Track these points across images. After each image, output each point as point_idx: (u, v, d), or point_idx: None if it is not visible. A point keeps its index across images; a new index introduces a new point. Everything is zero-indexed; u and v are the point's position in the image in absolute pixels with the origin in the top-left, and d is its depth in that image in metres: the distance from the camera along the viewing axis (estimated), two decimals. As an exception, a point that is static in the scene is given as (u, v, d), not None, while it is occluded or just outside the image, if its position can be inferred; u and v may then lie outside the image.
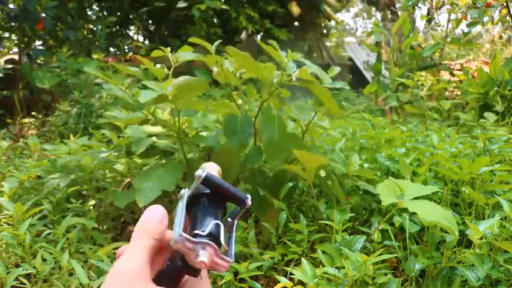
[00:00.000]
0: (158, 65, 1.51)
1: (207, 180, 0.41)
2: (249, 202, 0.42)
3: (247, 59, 1.34)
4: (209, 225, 0.37)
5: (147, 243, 0.38)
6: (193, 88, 1.48)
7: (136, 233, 0.39)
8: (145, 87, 1.40)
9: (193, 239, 0.36)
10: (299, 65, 1.45)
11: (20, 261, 1.33)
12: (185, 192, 0.41)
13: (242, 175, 1.59)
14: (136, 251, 0.37)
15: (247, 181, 1.51)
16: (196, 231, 0.37)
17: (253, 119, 1.51)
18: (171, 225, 0.40)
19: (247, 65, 1.41)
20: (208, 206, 0.40)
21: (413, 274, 1.11)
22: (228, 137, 1.41)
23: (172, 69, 1.50)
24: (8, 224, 1.50)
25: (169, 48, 1.52)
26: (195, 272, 0.38)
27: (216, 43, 1.50)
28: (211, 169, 0.45)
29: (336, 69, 1.57)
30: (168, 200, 1.85)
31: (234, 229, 0.42)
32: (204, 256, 0.35)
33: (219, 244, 0.36)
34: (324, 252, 1.14)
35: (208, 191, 0.41)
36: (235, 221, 0.43)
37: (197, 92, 1.55)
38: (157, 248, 0.39)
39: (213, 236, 0.37)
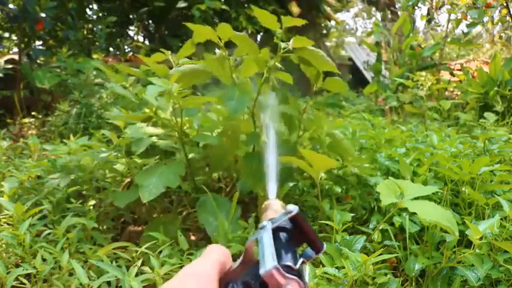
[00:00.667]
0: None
1: (296, 217, 0.40)
2: (324, 249, 0.42)
3: (245, 40, 1.34)
4: (296, 261, 0.38)
5: (216, 258, 0.40)
6: (198, 75, 1.48)
7: (205, 251, 0.42)
8: (149, 83, 1.40)
9: (287, 275, 0.35)
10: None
11: (20, 261, 1.33)
12: (268, 224, 0.40)
13: (242, 173, 1.59)
14: (207, 260, 0.39)
15: (246, 161, 1.50)
16: (288, 264, 0.37)
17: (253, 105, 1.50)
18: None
19: (245, 46, 1.41)
20: (289, 242, 0.40)
21: (413, 274, 1.11)
22: (224, 103, 1.40)
23: (173, 70, 1.50)
24: (8, 224, 1.50)
25: (169, 52, 1.53)
26: None
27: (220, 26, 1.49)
28: (276, 204, 0.45)
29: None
30: (168, 201, 1.85)
31: (307, 272, 0.41)
32: None
33: (303, 282, 0.37)
34: (324, 252, 1.14)
35: (289, 226, 0.41)
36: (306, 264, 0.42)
37: (201, 79, 1.56)
38: (222, 271, 0.40)
39: (299, 273, 0.37)
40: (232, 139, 1.53)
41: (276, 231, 0.40)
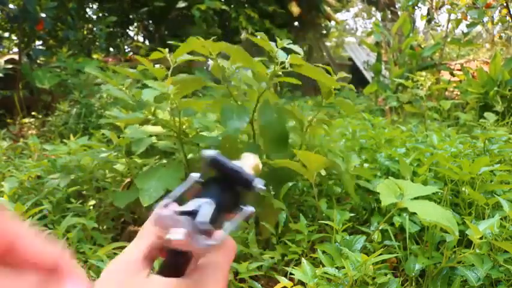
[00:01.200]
0: (157, 66, 1.51)
1: (213, 162, 0.37)
2: (259, 185, 0.37)
3: (240, 52, 1.34)
4: (195, 203, 0.34)
5: (149, 240, 0.38)
6: (190, 85, 1.49)
7: (142, 230, 0.40)
8: (146, 86, 1.40)
9: (168, 214, 0.32)
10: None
11: (20, 261, 1.33)
12: (191, 176, 0.38)
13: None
14: (138, 244, 0.38)
15: None
16: (177, 209, 0.34)
17: (252, 116, 1.51)
18: None
19: (240, 58, 1.41)
20: (209, 188, 0.37)
21: (413, 274, 1.11)
22: (224, 124, 1.40)
23: (171, 69, 1.50)
24: (8, 224, 1.50)
25: (167, 49, 1.52)
26: (187, 256, 0.34)
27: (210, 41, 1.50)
28: (247, 158, 0.42)
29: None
30: (168, 200, 1.85)
31: (240, 216, 0.36)
32: (175, 234, 0.30)
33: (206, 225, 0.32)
34: (324, 252, 1.14)
35: (217, 174, 0.38)
36: (244, 208, 0.37)
37: (198, 86, 1.56)
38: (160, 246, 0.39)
39: (194, 215, 0.33)
40: (230, 151, 1.52)
41: (207, 181, 0.38)
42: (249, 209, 0.37)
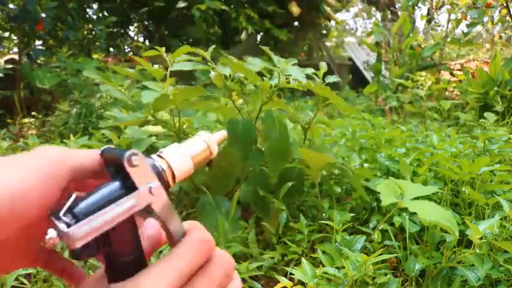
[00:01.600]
0: (156, 66, 1.51)
1: (102, 156, 0.34)
2: (128, 157, 0.31)
3: (241, 66, 1.34)
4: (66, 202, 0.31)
5: None
6: (192, 94, 1.49)
7: None
8: (145, 87, 1.40)
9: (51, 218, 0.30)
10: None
11: (20, 261, 1.33)
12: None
13: (243, 176, 1.59)
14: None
15: (249, 182, 1.51)
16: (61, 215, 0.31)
17: (254, 122, 1.51)
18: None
19: (242, 71, 1.42)
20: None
21: (413, 274, 1.11)
22: (230, 143, 1.41)
23: (169, 69, 1.50)
24: (8, 224, 1.50)
25: (164, 48, 1.52)
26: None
27: (211, 49, 1.50)
28: (192, 143, 0.38)
29: (325, 66, 1.57)
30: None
31: (122, 201, 0.31)
32: (48, 235, 0.29)
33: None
34: (324, 252, 1.14)
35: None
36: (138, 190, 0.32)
37: (197, 94, 1.56)
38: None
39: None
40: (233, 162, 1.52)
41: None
42: (139, 190, 0.32)
